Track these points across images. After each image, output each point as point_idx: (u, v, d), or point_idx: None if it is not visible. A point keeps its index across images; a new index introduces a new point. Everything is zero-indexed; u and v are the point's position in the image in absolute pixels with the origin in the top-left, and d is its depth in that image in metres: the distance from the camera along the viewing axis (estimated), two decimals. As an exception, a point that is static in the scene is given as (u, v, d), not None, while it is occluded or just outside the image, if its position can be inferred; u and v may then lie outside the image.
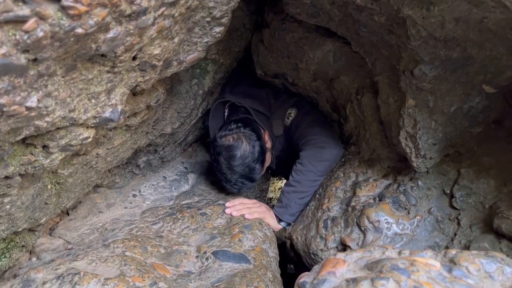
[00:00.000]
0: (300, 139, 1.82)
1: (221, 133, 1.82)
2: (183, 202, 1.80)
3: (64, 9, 0.57)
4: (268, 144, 1.95)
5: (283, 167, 2.26)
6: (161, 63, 0.95)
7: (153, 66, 0.93)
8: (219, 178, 1.85)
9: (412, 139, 1.29)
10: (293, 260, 2.52)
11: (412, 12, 1.02)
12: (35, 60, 0.61)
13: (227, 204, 1.74)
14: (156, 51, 0.89)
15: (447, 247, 1.26)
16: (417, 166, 1.34)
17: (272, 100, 2.05)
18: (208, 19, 1.05)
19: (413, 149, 1.31)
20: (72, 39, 0.62)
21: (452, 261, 0.73)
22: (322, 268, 0.82)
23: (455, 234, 1.26)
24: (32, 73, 0.62)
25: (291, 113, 1.95)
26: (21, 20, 0.53)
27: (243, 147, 1.77)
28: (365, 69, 1.52)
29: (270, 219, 1.73)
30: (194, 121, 1.87)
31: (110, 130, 1.14)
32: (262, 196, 2.19)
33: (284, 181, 3.06)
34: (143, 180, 1.91)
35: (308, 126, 1.83)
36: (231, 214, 1.67)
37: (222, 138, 1.81)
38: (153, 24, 0.79)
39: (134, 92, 1.11)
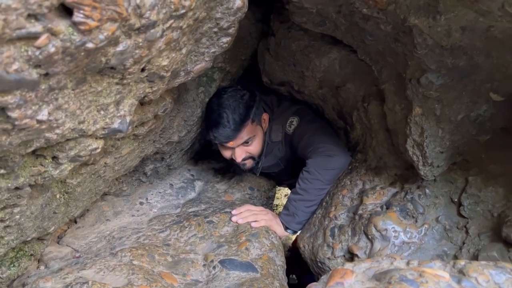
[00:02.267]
0: (307, 147, 1.79)
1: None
2: (190, 210, 1.80)
3: (75, 24, 0.58)
4: (265, 123, 1.94)
5: (287, 176, 2.25)
6: (169, 74, 0.96)
7: (161, 77, 0.94)
8: (206, 127, 1.79)
9: (419, 147, 1.29)
10: (295, 271, 2.52)
11: (419, 21, 1.02)
12: (46, 74, 0.62)
13: (233, 212, 1.74)
14: (164, 63, 0.90)
15: (455, 256, 1.25)
16: (425, 174, 1.33)
17: (275, 107, 2.03)
18: (215, 29, 1.06)
19: (420, 157, 1.30)
20: (82, 53, 0.63)
21: (461, 272, 0.73)
22: (330, 278, 0.82)
23: (464, 243, 1.25)
24: (43, 87, 0.63)
25: (293, 121, 1.92)
26: (33, 37, 0.54)
27: (242, 90, 1.79)
28: (371, 77, 1.52)
29: (276, 226, 1.73)
30: (200, 129, 1.88)
31: (118, 139, 1.15)
32: (269, 204, 2.19)
33: (289, 190, 3.04)
34: (150, 187, 1.92)
35: (314, 134, 1.81)
36: (237, 222, 1.67)
37: (218, 90, 1.81)
38: (161, 36, 0.80)
39: (142, 102, 1.12)
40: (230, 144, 1.77)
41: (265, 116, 1.93)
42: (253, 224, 1.66)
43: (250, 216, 1.69)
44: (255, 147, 1.87)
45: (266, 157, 1.98)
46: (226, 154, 1.87)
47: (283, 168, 2.13)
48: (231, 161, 1.90)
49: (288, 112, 1.97)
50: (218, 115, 1.70)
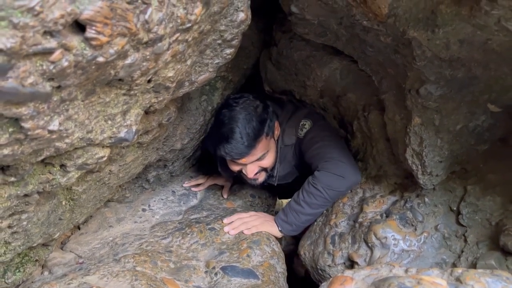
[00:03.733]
0: (316, 157, 1.70)
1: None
2: (192, 217, 1.82)
3: (87, 40, 0.60)
4: (277, 131, 1.82)
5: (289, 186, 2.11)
6: (174, 84, 0.98)
7: (166, 88, 0.96)
8: (216, 140, 1.66)
9: (418, 156, 1.31)
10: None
11: (418, 34, 1.05)
12: (58, 87, 0.64)
13: (225, 221, 1.72)
14: (170, 74, 0.93)
15: (454, 264, 1.27)
16: (424, 183, 1.35)
17: (278, 110, 1.92)
18: (219, 41, 1.09)
19: (419, 167, 1.33)
20: (93, 67, 0.66)
21: (458, 279, 0.75)
22: (330, 285, 0.84)
23: (462, 251, 1.27)
24: (55, 99, 0.66)
25: (305, 124, 1.81)
26: (48, 52, 0.57)
27: (254, 100, 1.68)
28: (371, 87, 1.55)
29: (269, 228, 1.70)
30: (203, 136, 1.90)
31: (123, 147, 1.17)
32: (269, 211, 2.20)
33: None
34: (152, 194, 1.94)
35: (326, 145, 1.71)
36: (229, 233, 1.66)
37: (233, 95, 1.71)
38: (168, 49, 0.83)
39: (147, 111, 1.14)
40: (243, 161, 1.68)
41: (277, 124, 1.82)
42: (245, 232, 1.65)
43: (241, 225, 1.69)
44: (268, 161, 1.77)
45: (280, 164, 1.89)
46: (235, 168, 1.77)
47: (298, 176, 2.03)
48: (239, 174, 1.82)
49: (300, 114, 1.88)
50: (230, 130, 1.58)
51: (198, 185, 2.10)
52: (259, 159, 1.71)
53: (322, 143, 1.72)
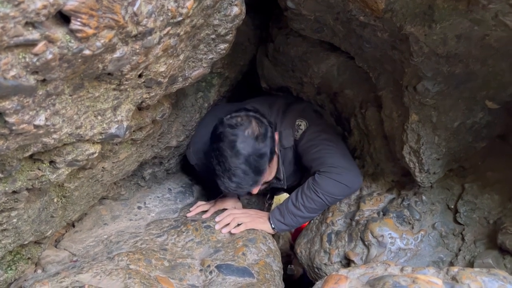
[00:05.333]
0: (317, 163, 1.61)
1: (227, 116, 1.54)
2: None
3: (72, 32, 0.59)
4: (277, 147, 1.66)
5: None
6: (166, 79, 0.97)
7: (158, 83, 0.95)
8: (215, 171, 1.52)
9: (416, 154, 1.29)
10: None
11: (415, 29, 1.03)
12: (43, 80, 0.62)
13: (216, 219, 1.68)
14: (162, 69, 0.91)
15: (451, 263, 1.26)
16: (421, 181, 1.34)
17: (266, 109, 1.75)
18: (213, 36, 1.07)
19: (416, 164, 1.31)
20: (79, 60, 0.64)
21: (454, 278, 0.73)
22: (325, 284, 0.83)
23: (459, 250, 1.25)
24: (40, 93, 0.64)
25: (300, 125, 1.70)
26: (31, 44, 0.55)
27: (252, 126, 1.49)
28: (369, 83, 1.53)
29: (260, 225, 1.67)
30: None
31: (116, 144, 1.15)
32: (267, 209, 2.19)
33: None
34: (148, 192, 1.92)
35: (326, 149, 1.61)
36: (221, 231, 1.62)
37: (228, 120, 1.51)
38: (158, 43, 0.81)
39: (140, 107, 1.12)
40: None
41: (276, 135, 1.65)
42: (233, 231, 1.61)
43: (232, 222, 1.65)
44: (272, 176, 1.69)
45: (284, 166, 1.80)
46: None
47: (302, 175, 1.96)
48: None
49: (293, 113, 1.75)
50: (232, 169, 1.45)
51: (205, 211, 1.85)
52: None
53: (322, 147, 1.63)
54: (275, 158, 1.63)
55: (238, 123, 1.49)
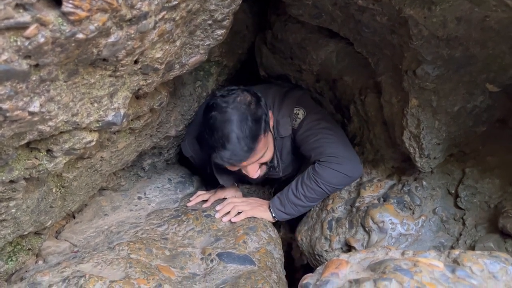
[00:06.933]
0: (317, 152, 1.58)
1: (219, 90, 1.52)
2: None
3: (64, 15, 0.58)
4: (271, 121, 1.63)
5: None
6: (163, 66, 0.95)
7: (155, 70, 0.93)
8: (208, 144, 1.48)
9: (416, 139, 1.29)
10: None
11: (414, 12, 1.02)
12: (36, 65, 0.61)
13: (217, 208, 1.68)
14: (158, 55, 0.90)
15: (452, 247, 1.26)
16: (421, 166, 1.33)
17: (263, 95, 1.64)
18: (209, 22, 1.05)
19: (417, 149, 1.30)
20: (73, 44, 0.63)
21: (456, 261, 0.73)
22: (325, 269, 0.82)
23: (460, 234, 1.25)
24: (34, 78, 0.63)
25: (298, 113, 1.66)
26: (22, 27, 0.54)
27: (245, 94, 1.48)
28: (368, 69, 1.52)
29: (260, 214, 1.66)
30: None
31: (114, 133, 1.14)
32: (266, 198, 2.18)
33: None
34: (148, 182, 1.92)
35: (326, 138, 1.58)
36: (222, 220, 1.62)
37: (219, 91, 1.50)
38: (154, 28, 0.79)
39: (137, 96, 1.11)
40: (243, 164, 1.52)
41: (271, 114, 1.62)
42: (233, 219, 1.61)
43: (232, 211, 1.65)
44: (268, 156, 1.62)
45: (281, 154, 1.76)
46: (233, 169, 1.60)
47: (300, 165, 1.94)
48: (238, 171, 1.66)
49: (291, 100, 1.70)
50: (226, 135, 1.40)
51: (205, 201, 1.84)
52: (259, 158, 1.57)
53: (321, 136, 1.59)
54: (270, 136, 1.60)
55: (230, 92, 1.47)
